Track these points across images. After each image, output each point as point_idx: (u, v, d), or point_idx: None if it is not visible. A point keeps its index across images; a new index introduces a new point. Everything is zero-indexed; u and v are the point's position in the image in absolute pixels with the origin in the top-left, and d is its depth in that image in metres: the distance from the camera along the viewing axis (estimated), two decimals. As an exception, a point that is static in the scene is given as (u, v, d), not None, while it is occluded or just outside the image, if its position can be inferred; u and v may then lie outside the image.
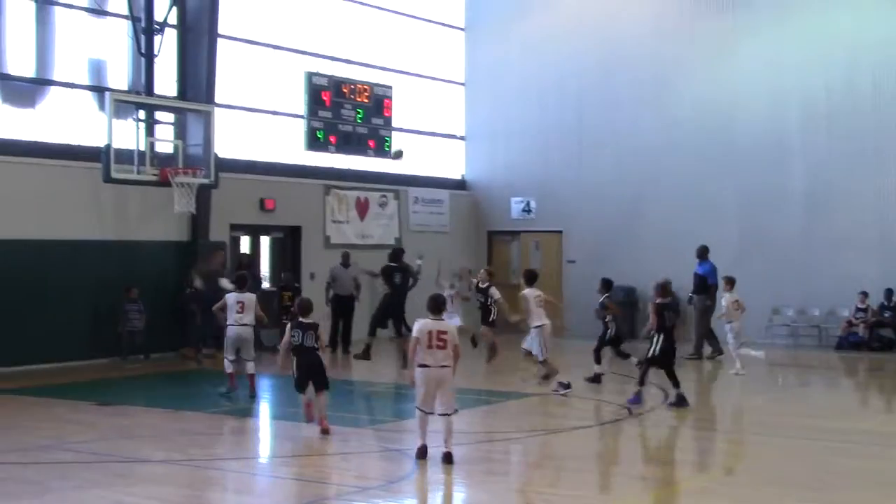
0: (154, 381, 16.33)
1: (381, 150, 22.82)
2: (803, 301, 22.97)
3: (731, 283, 18.65)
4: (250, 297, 14.41)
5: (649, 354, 14.34)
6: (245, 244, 22.39)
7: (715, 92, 24.06)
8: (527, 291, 15.67)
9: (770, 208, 23.37)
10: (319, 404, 12.08)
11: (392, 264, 18.25)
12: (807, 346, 22.47)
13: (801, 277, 22.98)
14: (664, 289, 14.30)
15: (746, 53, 23.74)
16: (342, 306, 21.18)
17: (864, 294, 21.88)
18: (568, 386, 15.60)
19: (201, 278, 18.93)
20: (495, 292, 16.91)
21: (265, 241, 22.89)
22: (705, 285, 20.43)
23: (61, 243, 18.19)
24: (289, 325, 12.35)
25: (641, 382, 14.47)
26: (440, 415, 10.52)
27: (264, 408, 14.78)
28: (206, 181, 18.98)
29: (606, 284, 16.89)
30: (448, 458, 10.40)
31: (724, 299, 18.69)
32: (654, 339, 14.31)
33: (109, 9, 19.81)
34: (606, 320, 16.67)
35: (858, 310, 21.99)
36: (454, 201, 26.60)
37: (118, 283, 18.67)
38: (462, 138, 27.33)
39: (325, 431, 11.89)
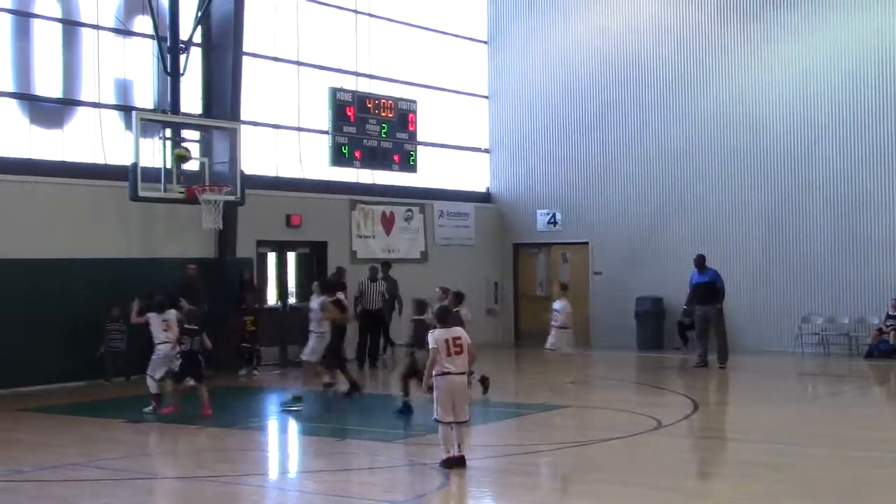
0: (182, 400, 16.34)
1: (407, 164, 22.91)
2: (832, 309, 22.79)
3: (565, 288, 18.04)
4: (171, 316, 15.17)
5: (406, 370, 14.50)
6: (271, 260, 22.45)
7: (740, 99, 23.96)
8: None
9: (798, 215, 23.22)
10: (201, 394, 14.40)
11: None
12: (836, 355, 22.28)
13: (831, 285, 22.82)
14: (422, 305, 14.33)
15: (772, 60, 23.63)
16: (370, 321, 21.17)
17: None
18: (299, 399, 15.45)
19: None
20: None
21: (291, 257, 22.95)
22: (714, 292, 20.33)
23: (89, 262, 18.28)
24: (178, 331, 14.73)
25: (406, 394, 14.42)
26: (457, 423, 10.70)
27: (292, 424, 14.81)
28: (232, 198, 19.06)
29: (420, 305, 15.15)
30: (462, 462, 10.63)
31: (559, 305, 18.00)
32: (413, 354, 14.31)
33: (135, 29, 19.98)
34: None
35: (889, 317, 21.77)
36: (479, 214, 26.60)
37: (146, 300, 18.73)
38: (486, 151, 27.34)
39: (206, 416, 14.10)
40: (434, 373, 10.77)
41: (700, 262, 20.74)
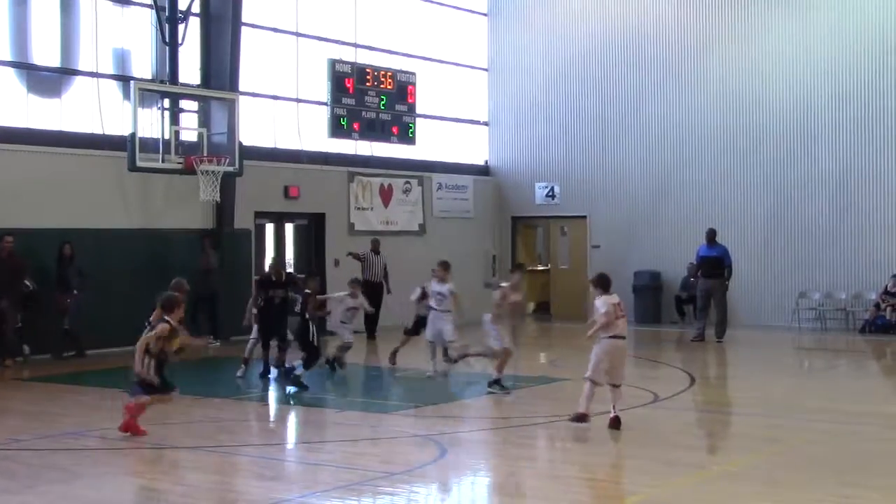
0: (180, 369, 16.38)
1: (405, 136, 22.88)
2: (830, 284, 22.82)
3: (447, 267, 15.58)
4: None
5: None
6: (269, 231, 22.39)
7: (741, 75, 23.87)
8: None
9: (797, 192, 23.20)
10: None
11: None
12: (834, 330, 22.33)
13: (829, 261, 22.84)
14: (179, 286, 13.24)
15: (774, 35, 23.52)
16: (371, 293, 21.12)
17: (895, 277, 21.71)
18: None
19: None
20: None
21: (289, 229, 22.92)
22: (721, 267, 20.34)
23: (87, 232, 18.26)
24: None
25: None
26: (613, 385, 11.47)
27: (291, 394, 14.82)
28: (230, 169, 19.00)
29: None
30: (617, 423, 11.33)
31: (445, 288, 15.42)
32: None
33: (133, -2, 19.89)
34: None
35: (887, 293, 21.79)
36: (478, 187, 26.55)
37: (144, 270, 18.69)
38: (485, 124, 27.26)
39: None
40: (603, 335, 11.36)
41: (710, 236, 20.67)
